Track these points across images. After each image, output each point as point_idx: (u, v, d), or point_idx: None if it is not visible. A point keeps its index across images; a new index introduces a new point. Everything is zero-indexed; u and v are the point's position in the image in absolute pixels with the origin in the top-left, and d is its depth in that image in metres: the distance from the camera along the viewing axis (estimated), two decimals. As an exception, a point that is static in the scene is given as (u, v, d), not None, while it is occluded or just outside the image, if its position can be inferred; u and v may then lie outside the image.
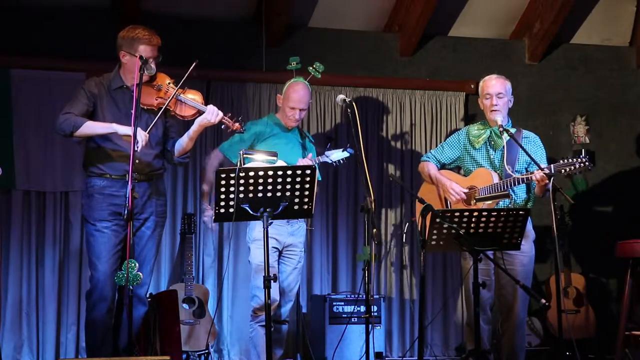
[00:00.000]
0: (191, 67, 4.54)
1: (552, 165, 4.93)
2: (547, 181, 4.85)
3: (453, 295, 6.89)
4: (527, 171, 5.17)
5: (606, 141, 7.47)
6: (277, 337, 5.17)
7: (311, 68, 5.45)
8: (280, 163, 5.09)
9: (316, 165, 5.13)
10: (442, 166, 5.46)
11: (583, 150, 7.26)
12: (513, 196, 5.15)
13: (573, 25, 7.39)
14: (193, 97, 4.70)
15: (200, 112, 4.69)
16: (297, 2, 6.67)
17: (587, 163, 4.84)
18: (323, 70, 5.50)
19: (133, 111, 4.35)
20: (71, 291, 6.31)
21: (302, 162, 5.20)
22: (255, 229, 5.12)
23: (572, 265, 6.92)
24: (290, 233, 5.21)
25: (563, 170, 4.89)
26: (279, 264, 5.23)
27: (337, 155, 5.39)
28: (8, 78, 6.24)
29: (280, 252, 5.22)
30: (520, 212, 4.50)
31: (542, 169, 4.91)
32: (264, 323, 5.04)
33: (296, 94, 5.27)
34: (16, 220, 6.26)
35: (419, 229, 4.61)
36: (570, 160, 4.89)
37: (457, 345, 6.89)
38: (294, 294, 5.34)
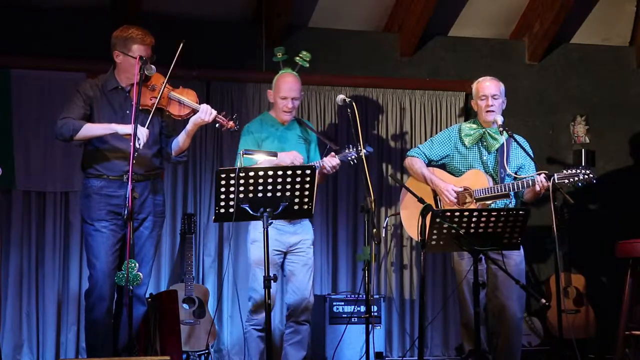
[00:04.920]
0: (177, 52, 4.50)
1: (555, 175, 4.92)
2: (548, 184, 4.85)
3: (453, 295, 6.88)
4: (516, 175, 5.18)
5: (606, 141, 7.46)
6: (297, 338, 5.10)
7: (298, 58, 5.36)
8: (281, 158, 5.06)
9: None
10: (429, 162, 5.43)
11: (583, 150, 7.26)
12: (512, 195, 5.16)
13: (573, 25, 7.39)
14: (187, 96, 4.70)
15: (194, 111, 4.68)
16: (297, 2, 6.68)
17: (591, 175, 4.84)
18: (310, 59, 5.40)
19: (133, 110, 4.37)
20: (71, 291, 6.31)
21: (326, 160, 5.10)
22: (256, 229, 5.04)
23: (572, 265, 6.92)
24: (293, 232, 5.12)
25: (567, 181, 4.88)
26: (284, 266, 5.16)
27: (354, 154, 5.16)
28: (8, 78, 6.24)
29: (286, 254, 5.15)
30: (520, 212, 4.50)
31: (541, 172, 4.92)
32: (258, 327, 5.05)
33: (286, 84, 5.18)
34: (16, 220, 6.26)
35: (418, 228, 4.60)
36: (573, 170, 4.88)
37: (457, 346, 6.88)
38: (309, 292, 5.16)
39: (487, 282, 5.15)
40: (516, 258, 5.10)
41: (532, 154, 5.27)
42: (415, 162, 5.41)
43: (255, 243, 5.08)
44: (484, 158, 5.25)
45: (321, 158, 5.24)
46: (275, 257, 5.05)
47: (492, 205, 5.10)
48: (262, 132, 5.18)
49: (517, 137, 5.28)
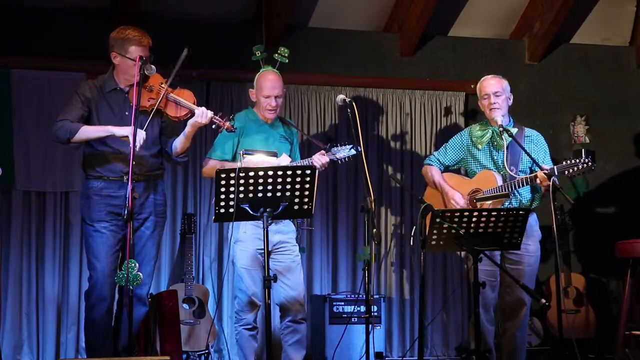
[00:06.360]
0: (180, 59, 4.51)
1: (555, 167, 4.93)
2: (548, 182, 4.85)
3: (453, 295, 6.89)
4: (531, 170, 5.17)
5: (606, 141, 7.47)
6: (297, 337, 5.03)
7: (276, 55, 5.26)
8: (284, 159, 5.04)
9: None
10: (446, 168, 5.45)
11: (583, 150, 7.26)
12: (518, 197, 5.15)
13: (573, 25, 7.39)
14: (184, 97, 4.69)
15: (192, 112, 4.68)
16: (297, 2, 6.68)
17: (590, 163, 4.84)
18: (289, 55, 5.29)
19: (133, 110, 4.37)
20: (71, 291, 6.31)
21: (315, 158, 5.06)
22: (240, 229, 4.97)
23: (572, 265, 6.92)
24: (276, 231, 4.99)
25: (567, 172, 4.89)
26: (271, 265, 5.09)
27: (343, 152, 5.15)
28: (8, 78, 6.24)
29: (270, 253, 5.03)
30: (520, 212, 4.50)
31: (542, 169, 4.92)
32: (248, 326, 5.01)
33: (267, 82, 5.09)
34: (16, 220, 6.26)
35: (419, 227, 4.60)
36: (573, 161, 4.89)
37: (457, 345, 6.88)
38: (301, 288, 5.08)
39: (500, 282, 5.14)
40: (529, 259, 5.11)
41: (545, 149, 5.30)
42: (429, 169, 5.44)
43: (238, 243, 5.00)
44: (495, 157, 5.24)
45: (301, 158, 5.23)
46: (259, 256, 4.96)
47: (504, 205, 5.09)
48: (245, 128, 5.08)
49: (529, 132, 5.32)
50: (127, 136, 4.44)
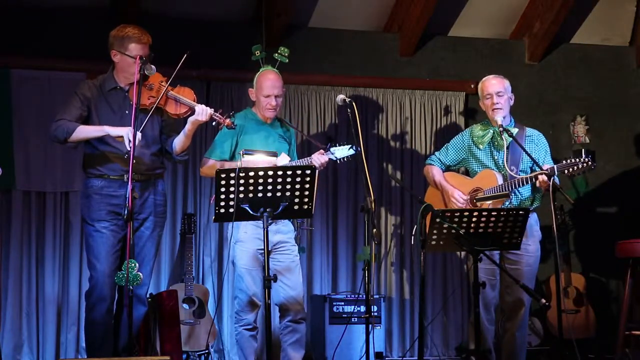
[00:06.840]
0: (182, 60, 4.51)
1: (555, 166, 4.93)
2: (548, 182, 4.85)
3: (453, 295, 6.89)
4: (531, 170, 5.16)
5: (606, 141, 7.47)
6: (296, 337, 5.01)
7: (276, 54, 5.27)
8: (284, 158, 5.05)
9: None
10: (447, 168, 5.45)
11: (583, 150, 7.26)
12: (519, 196, 5.14)
13: (573, 25, 7.39)
14: (184, 94, 4.69)
15: (192, 110, 4.68)
16: (297, 2, 6.68)
17: (589, 163, 4.84)
18: (289, 54, 5.29)
19: (133, 110, 4.38)
20: (71, 291, 6.31)
21: (314, 157, 5.06)
22: (240, 229, 4.96)
23: (572, 265, 6.92)
24: (275, 231, 4.97)
25: (566, 171, 4.89)
26: (270, 265, 5.08)
27: (341, 152, 5.15)
28: (8, 78, 6.24)
29: (269, 253, 5.02)
30: (520, 212, 4.50)
31: (541, 169, 4.92)
32: (248, 326, 5.00)
33: (268, 81, 5.09)
34: (16, 220, 6.26)
35: (420, 227, 4.60)
36: (573, 160, 4.89)
37: (457, 345, 6.88)
38: (300, 288, 5.06)
39: (499, 281, 5.14)
40: (528, 259, 5.10)
41: (546, 149, 5.29)
42: (430, 169, 5.45)
43: (239, 243, 4.98)
44: (496, 157, 5.24)
45: (299, 159, 5.23)
46: (259, 256, 4.94)
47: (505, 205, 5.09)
48: (244, 127, 5.08)
49: (530, 131, 5.31)
50: (121, 136, 4.46)
